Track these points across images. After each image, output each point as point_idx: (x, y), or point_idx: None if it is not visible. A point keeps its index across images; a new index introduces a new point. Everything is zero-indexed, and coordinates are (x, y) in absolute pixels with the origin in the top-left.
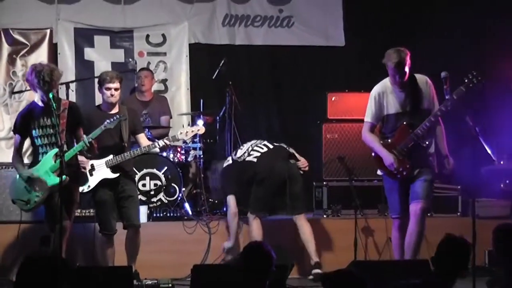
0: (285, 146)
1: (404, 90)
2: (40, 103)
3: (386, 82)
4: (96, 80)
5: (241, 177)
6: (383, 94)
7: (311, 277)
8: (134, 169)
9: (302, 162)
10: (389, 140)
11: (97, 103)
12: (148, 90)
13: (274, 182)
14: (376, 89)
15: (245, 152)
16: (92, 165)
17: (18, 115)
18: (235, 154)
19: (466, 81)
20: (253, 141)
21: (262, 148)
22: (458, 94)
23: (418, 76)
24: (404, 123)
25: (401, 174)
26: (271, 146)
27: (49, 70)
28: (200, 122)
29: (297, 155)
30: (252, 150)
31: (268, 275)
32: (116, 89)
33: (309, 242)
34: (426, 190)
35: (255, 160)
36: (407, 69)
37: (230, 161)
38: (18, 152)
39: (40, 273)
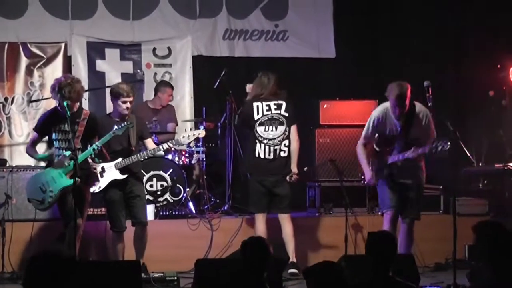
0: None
1: (399, 119)
2: (61, 110)
3: (386, 107)
4: (107, 90)
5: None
6: (382, 119)
7: (288, 276)
8: (142, 171)
9: (294, 177)
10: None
11: (107, 111)
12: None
13: (267, 184)
14: (376, 113)
15: (270, 139)
16: (102, 168)
17: (42, 115)
18: (262, 130)
19: (433, 145)
20: (280, 136)
21: (278, 152)
22: (423, 151)
23: (418, 106)
24: (388, 149)
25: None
26: (283, 155)
27: (70, 85)
28: (202, 127)
29: (294, 166)
30: (278, 145)
31: (265, 266)
32: (130, 102)
33: (289, 241)
34: (417, 207)
35: (271, 157)
36: (407, 101)
37: (257, 122)
38: (32, 145)
39: (46, 270)
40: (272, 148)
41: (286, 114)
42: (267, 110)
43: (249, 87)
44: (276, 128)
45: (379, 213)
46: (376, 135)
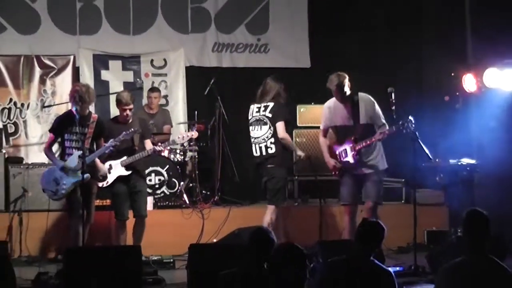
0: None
1: (346, 107)
2: (76, 114)
3: (334, 99)
4: (111, 96)
5: None
6: (332, 108)
7: None
8: None
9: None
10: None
11: (111, 116)
12: (156, 107)
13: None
14: (327, 104)
15: (256, 138)
16: (110, 165)
17: (57, 118)
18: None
19: (400, 123)
20: (264, 134)
21: (264, 150)
22: (390, 131)
23: (361, 95)
24: (352, 138)
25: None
26: (270, 152)
27: (85, 90)
28: (194, 129)
29: (296, 151)
30: (263, 143)
31: (269, 257)
32: (130, 109)
33: None
34: (376, 190)
35: (257, 154)
36: (346, 89)
37: (249, 122)
38: (49, 147)
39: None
40: (257, 146)
41: (270, 115)
42: (256, 112)
43: None
44: (260, 128)
45: (342, 204)
46: (333, 123)
